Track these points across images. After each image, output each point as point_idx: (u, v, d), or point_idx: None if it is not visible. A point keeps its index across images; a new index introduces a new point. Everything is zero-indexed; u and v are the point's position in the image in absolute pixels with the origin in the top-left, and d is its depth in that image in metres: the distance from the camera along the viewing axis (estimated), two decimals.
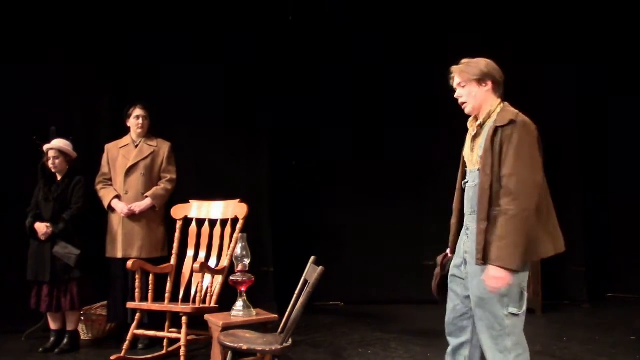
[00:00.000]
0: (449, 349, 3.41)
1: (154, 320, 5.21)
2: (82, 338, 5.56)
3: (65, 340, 5.31)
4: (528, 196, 3.08)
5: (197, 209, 5.36)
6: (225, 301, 4.82)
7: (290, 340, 3.68)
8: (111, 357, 4.91)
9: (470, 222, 3.29)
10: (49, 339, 5.35)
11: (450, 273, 3.42)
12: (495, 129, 3.18)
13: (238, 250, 4.47)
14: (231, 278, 4.45)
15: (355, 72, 6.83)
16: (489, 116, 3.31)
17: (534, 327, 5.82)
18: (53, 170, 5.35)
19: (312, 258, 3.91)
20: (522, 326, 3.23)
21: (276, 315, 4.53)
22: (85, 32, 6.17)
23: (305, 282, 3.71)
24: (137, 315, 4.95)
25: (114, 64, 6.22)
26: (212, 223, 5.25)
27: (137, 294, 5.00)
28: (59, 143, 5.36)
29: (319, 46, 6.92)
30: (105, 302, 5.63)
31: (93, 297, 5.49)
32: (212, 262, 5.12)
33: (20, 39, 6.07)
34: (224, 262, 5.05)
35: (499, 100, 3.35)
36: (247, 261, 4.45)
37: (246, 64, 6.48)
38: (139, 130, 5.52)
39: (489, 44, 6.68)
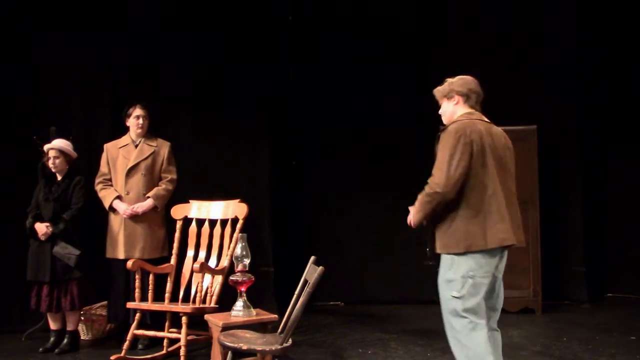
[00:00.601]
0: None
1: (154, 320, 5.21)
2: (82, 338, 5.56)
3: (65, 340, 5.31)
4: (436, 190, 3.59)
5: (197, 209, 5.35)
6: (225, 301, 4.82)
7: (290, 340, 3.69)
8: (111, 357, 4.91)
9: None
10: (49, 339, 5.35)
11: None
12: (438, 136, 3.75)
13: (238, 250, 4.46)
14: (231, 278, 4.45)
15: (355, 72, 6.83)
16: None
17: (534, 327, 5.83)
18: (53, 170, 5.35)
19: (312, 258, 3.91)
20: (466, 306, 3.58)
21: (276, 315, 4.52)
22: (85, 31, 6.17)
23: (305, 282, 3.71)
24: (137, 315, 4.94)
25: (114, 64, 6.22)
26: (212, 223, 5.25)
27: (137, 294, 5.00)
28: (59, 143, 5.36)
29: (319, 46, 6.91)
30: (105, 302, 5.62)
31: (93, 297, 5.49)
32: (212, 262, 5.12)
33: (20, 39, 6.08)
34: (224, 262, 5.05)
35: (467, 110, 3.81)
36: (247, 261, 4.45)
37: (246, 64, 6.47)
38: (139, 130, 5.49)
39: (488, 44, 6.77)
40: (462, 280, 3.60)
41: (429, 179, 3.65)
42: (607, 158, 6.93)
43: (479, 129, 3.67)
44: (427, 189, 3.64)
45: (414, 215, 3.73)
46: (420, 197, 3.67)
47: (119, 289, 5.39)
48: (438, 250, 3.72)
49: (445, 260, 3.68)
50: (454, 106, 3.83)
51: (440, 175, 3.59)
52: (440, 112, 3.92)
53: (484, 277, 3.61)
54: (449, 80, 3.88)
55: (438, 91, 3.91)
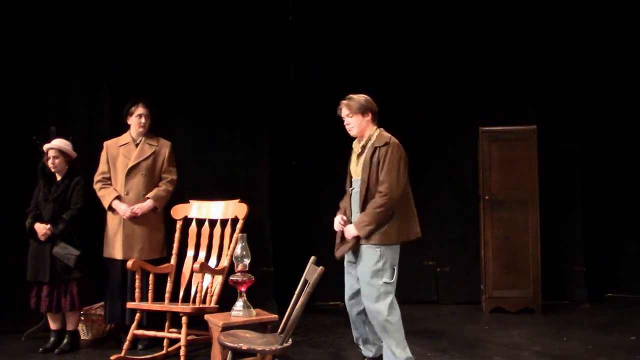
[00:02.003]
0: (353, 316, 4.58)
1: (154, 320, 5.21)
2: (82, 338, 5.56)
3: (65, 340, 5.31)
4: (390, 197, 4.28)
5: (197, 209, 5.36)
6: (225, 301, 4.83)
7: (290, 340, 3.69)
8: (111, 357, 4.91)
9: (355, 218, 4.44)
10: (49, 339, 5.35)
11: (346, 260, 4.55)
12: (374, 149, 4.37)
13: (238, 250, 4.47)
14: (231, 278, 4.45)
15: (354, 71, 6.82)
16: (369, 139, 4.46)
17: (534, 327, 5.83)
18: (53, 170, 5.35)
19: (312, 258, 3.92)
20: (393, 291, 4.41)
21: (276, 315, 4.53)
22: (85, 31, 6.17)
23: (305, 282, 3.72)
24: (137, 316, 4.95)
25: (114, 64, 6.22)
26: (212, 223, 5.25)
27: (137, 294, 5.00)
28: (59, 143, 5.36)
29: (319, 46, 6.91)
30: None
31: (93, 297, 5.48)
32: (212, 262, 5.12)
33: (20, 39, 6.07)
34: (224, 262, 5.05)
35: (376, 127, 4.52)
36: (247, 261, 4.45)
37: (246, 64, 6.47)
38: (141, 129, 5.47)
39: (488, 44, 6.77)
40: (391, 268, 4.37)
41: (380, 189, 4.28)
42: (607, 158, 6.92)
43: None
44: (380, 199, 4.29)
45: (361, 229, 4.32)
46: (370, 210, 4.30)
47: (115, 290, 5.37)
48: (367, 244, 4.33)
49: (372, 253, 4.32)
50: (366, 122, 4.47)
51: (393, 184, 4.29)
52: (349, 123, 4.49)
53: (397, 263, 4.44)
54: (358, 96, 4.49)
55: (351, 106, 4.47)
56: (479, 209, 6.46)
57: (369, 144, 4.44)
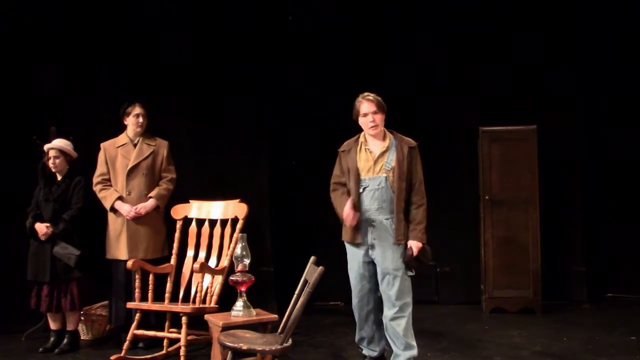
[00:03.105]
0: (363, 316, 4.59)
1: (155, 320, 5.21)
2: (82, 338, 5.56)
3: (65, 340, 5.31)
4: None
5: (197, 209, 5.36)
6: (225, 301, 4.83)
7: (290, 340, 3.69)
8: (111, 357, 4.91)
9: (378, 216, 4.47)
10: (49, 339, 5.35)
11: (361, 260, 4.53)
12: (409, 149, 4.49)
13: (238, 250, 4.47)
14: (231, 278, 4.46)
15: (353, 70, 6.82)
16: (390, 139, 4.53)
17: (534, 327, 5.83)
18: (53, 170, 5.35)
19: (312, 258, 3.92)
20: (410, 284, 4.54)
21: (276, 316, 4.53)
22: (85, 31, 6.17)
23: (305, 282, 3.72)
24: (138, 315, 4.94)
25: (114, 64, 6.22)
26: (212, 223, 5.25)
27: (137, 294, 5.00)
28: (59, 143, 5.36)
29: (318, 46, 6.91)
30: (105, 302, 5.62)
31: (93, 297, 5.49)
32: (212, 262, 5.12)
33: (21, 39, 6.08)
34: (224, 262, 5.05)
35: None
36: (247, 261, 4.45)
37: (246, 64, 6.47)
38: (138, 129, 5.46)
39: (488, 44, 6.77)
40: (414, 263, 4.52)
41: (422, 189, 4.54)
42: (607, 158, 6.92)
43: None
44: (424, 200, 4.54)
45: (422, 236, 4.49)
46: (421, 214, 4.51)
47: (120, 291, 5.37)
48: (398, 243, 4.46)
49: (402, 249, 4.45)
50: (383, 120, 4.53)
51: (423, 186, 4.56)
52: (375, 121, 4.47)
53: None
54: (374, 95, 4.51)
55: (378, 103, 4.49)
56: (479, 209, 6.46)
57: (396, 144, 4.50)
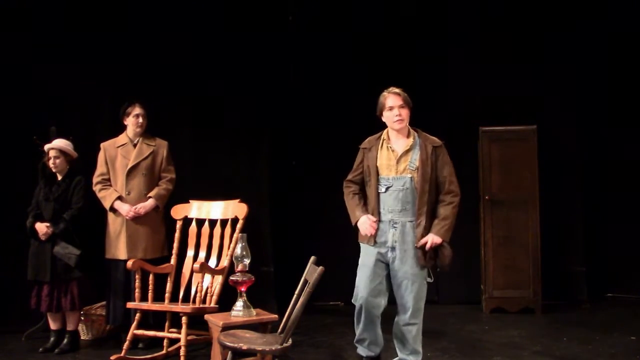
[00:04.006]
0: (372, 316, 4.39)
1: (156, 320, 5.21)
2: (82, 338, 5.56)
3: (65, 340, 5.31)
4: (459, 195, 4.40)
5: (197, 209, 5.36)
6: (225, 301, 4.83)
7: (290, 340, 3.69)
8: (111, 357, 4.91)
9: (401, 217, 4.32)
10: (49, 339, 5.35)
11: (375, 259, 4.34)
12: (433, 148, 4.33)
13: (238, 250, 4.47)
14: (231, 278, 4.46)
15: (353, 70, 6.82)
16: (415, 137, 4.38)
17: (534, 327, 5.83)
18: (54, 170, 5.35)
19: (312, 258, 3.91)
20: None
21: (276, 316, 4.53)
22: (85, 32, 6.17)
23: (305, 282, 3.72)
24: (138, 315, 4.94)
25: (114, 64, 6.22)
26: (212, 223, 5.25)
27: (137, 294, 5.00)
28: (59, 143, 5.36)
29: (318, 46, 6.91)
30: (105, 303, 5.61)
31: (93, 297, 5.48)
32: (212, 262, 5.12)
33: (21, 39, 6.08)
34: (224, 262, 5.05)
35: None
36: (247, 261, 4.45)
37: (246, 64, 6.47)
38: (138, 129, 5.46)
39: (488, 44, 6.77)
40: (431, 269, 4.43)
41: (452, 188, 4.33)
42: (607, 158, 6.92)
43: None
44: (455, 198, 4.35)
45: (445, 233, 4.30)
46: (450, 211, 4.31)
47: (118, 291, 5.36)
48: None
49: (421, 252, 4.30)
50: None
51: (456, 184, 4.37)
52: (401, 115, 4.32)
53: None
54: (401, 89, 4.37)
55: (407, 98, 4.36)
56: (479, 209, 6.46)
57: (420, 142, 4.35)
